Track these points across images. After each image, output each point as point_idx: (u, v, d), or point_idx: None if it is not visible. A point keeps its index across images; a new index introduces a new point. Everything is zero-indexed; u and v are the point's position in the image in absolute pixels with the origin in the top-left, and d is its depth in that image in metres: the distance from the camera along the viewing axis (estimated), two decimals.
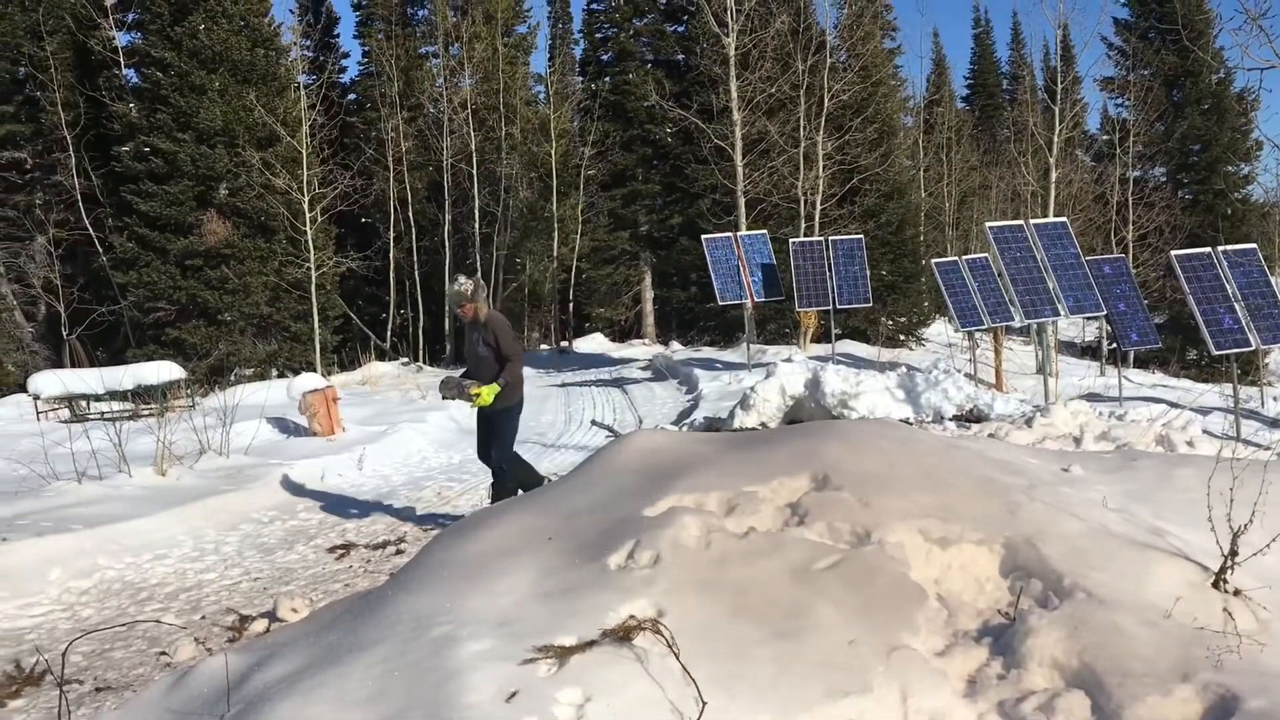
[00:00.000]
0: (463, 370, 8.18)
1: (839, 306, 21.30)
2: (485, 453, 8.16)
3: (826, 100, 27.13)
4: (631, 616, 3.19)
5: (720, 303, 22.15)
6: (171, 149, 30.72)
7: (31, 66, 34.38)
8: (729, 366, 21.06)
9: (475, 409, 8.01)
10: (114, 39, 33.62)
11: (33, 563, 7.29)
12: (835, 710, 3.01)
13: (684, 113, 28.61)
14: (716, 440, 5.24)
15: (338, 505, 10.11)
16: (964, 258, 20.24)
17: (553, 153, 36.55)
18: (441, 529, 6.96)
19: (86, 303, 34.36)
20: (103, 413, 20.04)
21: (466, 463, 12.76)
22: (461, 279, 7.76)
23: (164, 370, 21.89)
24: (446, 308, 33.95)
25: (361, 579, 6.95)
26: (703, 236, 22.51)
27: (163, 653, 5.52)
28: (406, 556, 7.23)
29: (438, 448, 13.96)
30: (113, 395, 20.87)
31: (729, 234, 22.38)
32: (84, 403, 21.45)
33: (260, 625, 5.76)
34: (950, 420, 11.98)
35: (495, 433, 7.92)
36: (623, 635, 3.10)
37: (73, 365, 30.57)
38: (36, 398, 21.62)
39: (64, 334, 34.97)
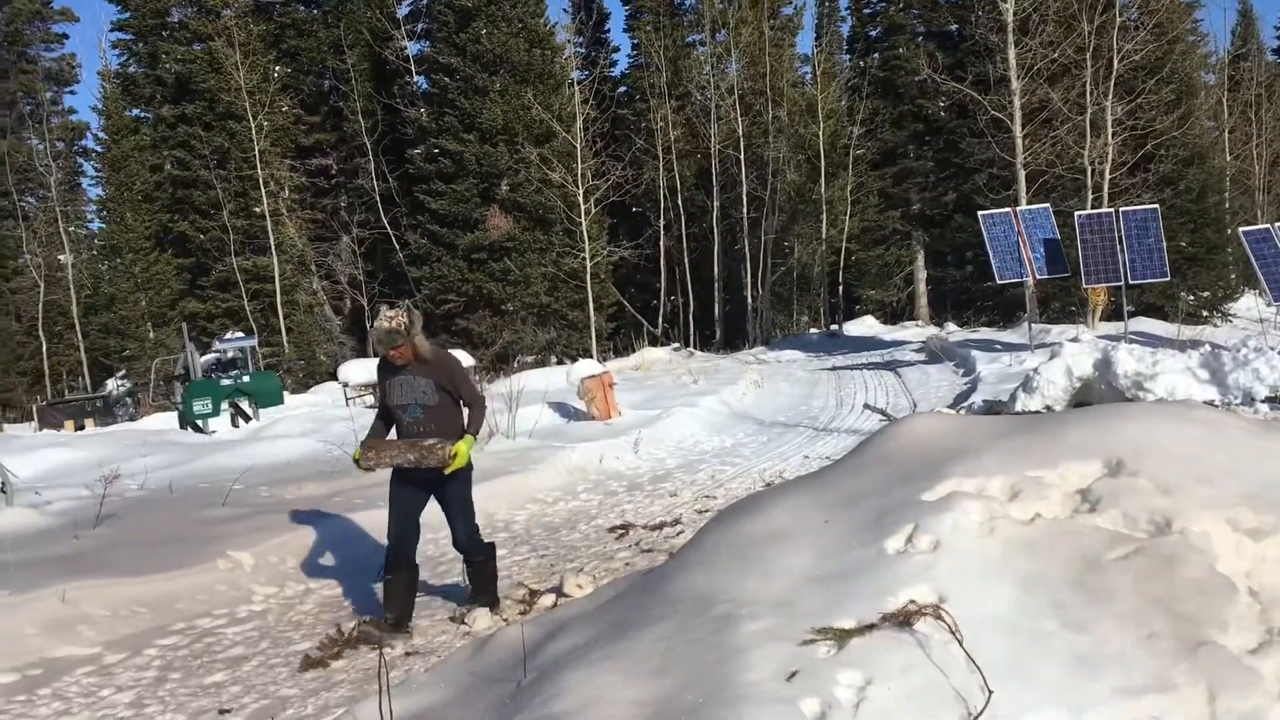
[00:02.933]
0: (381, 430, 6.00)
1: (1131, 282, 19.95)
2: (410, 529, 5.93)
3: (1116, 62, 25.37)
4: (912, 601, 3.14)
5: (998, 281, 21.25)
6: (458, 149, 32.53)
7: (335, 79, 37.25)
8: (1009, 348, 20.20)
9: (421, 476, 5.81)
10: (405, 48, 35.93)
11: (349, 536, 7.97)
12: (1132, 708, 2.85)
13: (958, 85, 27.56)
14: (997, 424, 5.06)
15: (616, 487, 10.46)
16: (1277, 225, 18.49)
17: (820, 133, 36.16)
18: (717, 511, 7.07)
19: (385, 296, 37.01)
20: None
21: (739, 446, 12.89)
22: (387, 311, 5.67)
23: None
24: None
25: (640, 558, 7.16)
26: (979, 213, 21.66)
27: (462, 622, 5.91)
28: (683, 538, 7.40)
29: (710, 431, 14.16)
30: None
31: (1008, 209, 21.43)
32: None
33: (548, 600, 6.05)
34: (1263, 403, 11.00)
35: (457, 500, 5.90)
36: (903, 620, 3.06)
37: (375, 355, 33.04)
38: (345, 385, 23.56)
39: (367, 326, 37.85)
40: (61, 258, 35.74)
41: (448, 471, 5.61)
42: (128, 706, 5.02)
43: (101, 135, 37.10)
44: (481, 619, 5.81)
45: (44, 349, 36.34)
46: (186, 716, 4.85)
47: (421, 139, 34.55)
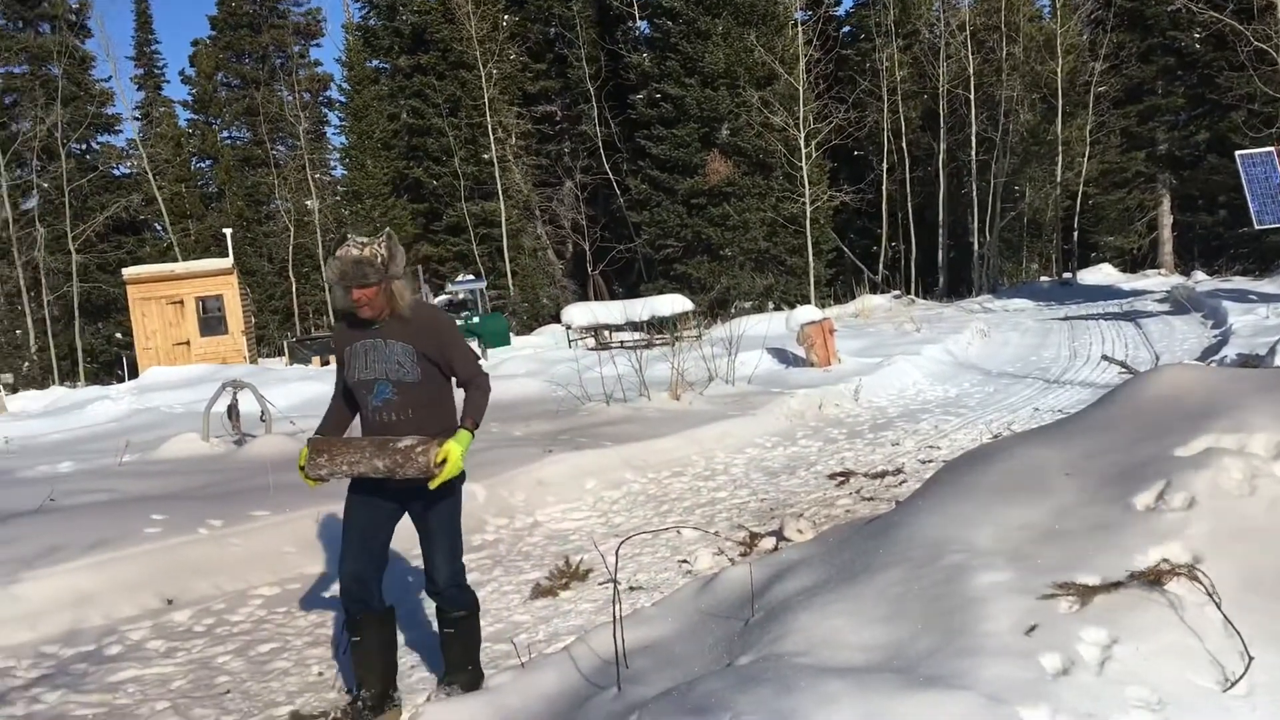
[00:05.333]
0: (341, 418, 4.24)
1: None
2: (372, 564, 4.10)
3: None
4: (1164, 560, 2.98)
5: (1256, 227, 19.67)
6: (679, 93, 32.58)
7: (560, 26, 37.89)
8: (1266, 298, 18.70)
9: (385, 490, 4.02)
10: None
11: (573, 474, 8.24)
12: None
13: (1217, 14, 25.44)
14: (1255, 378, 4.70)
15: (836, 434, 10.36)
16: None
17: (1058, 70, 34.20)
18: (944, 461, 6.90)
19: (607, 241, 37.77)
20: (623, 341, 22.00)
21: (963, 396, 12.53)
22: (356, 238, 3.91)
23: (675, 303, 23.61)
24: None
25: (862, 506, 7.08)
26: (1236, 153, 20.05)
27: (684, 560, 6.02)
28: (906, 487, 7.27)
29: (933, 381, 13.81)
30: (632, 326, 22.83)
31: (1269, 149, 19.73)
32: (607, 332, 23.68)
33: (768, 543, 6.08)
34: None
35: (441, 526, 4.05)
36: (1153, 579, 2.91)
37: (595, 299, 33.85)
38: (568, 327, 24.26)
39: (588, 270, 38.75)
40: (309, 203, 38.10)
41: (434, 485, 3.80)
42: None
43: (344, 86, 39.26)
44: (703, 558, 5.90)
45: (293, 289, 39.04)
46: (428, 636, 5.14)
47: (643, 84, 34.78)
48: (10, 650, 5.02)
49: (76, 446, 11.93)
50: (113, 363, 33.49)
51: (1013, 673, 2.64)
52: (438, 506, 4.01)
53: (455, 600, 4.12)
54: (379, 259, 3.82)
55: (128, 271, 27.53)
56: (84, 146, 36.03)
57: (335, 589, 5.25)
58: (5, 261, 32.68)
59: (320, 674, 4.74)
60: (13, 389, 23.49)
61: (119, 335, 33.29)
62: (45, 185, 33.44)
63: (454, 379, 4.05)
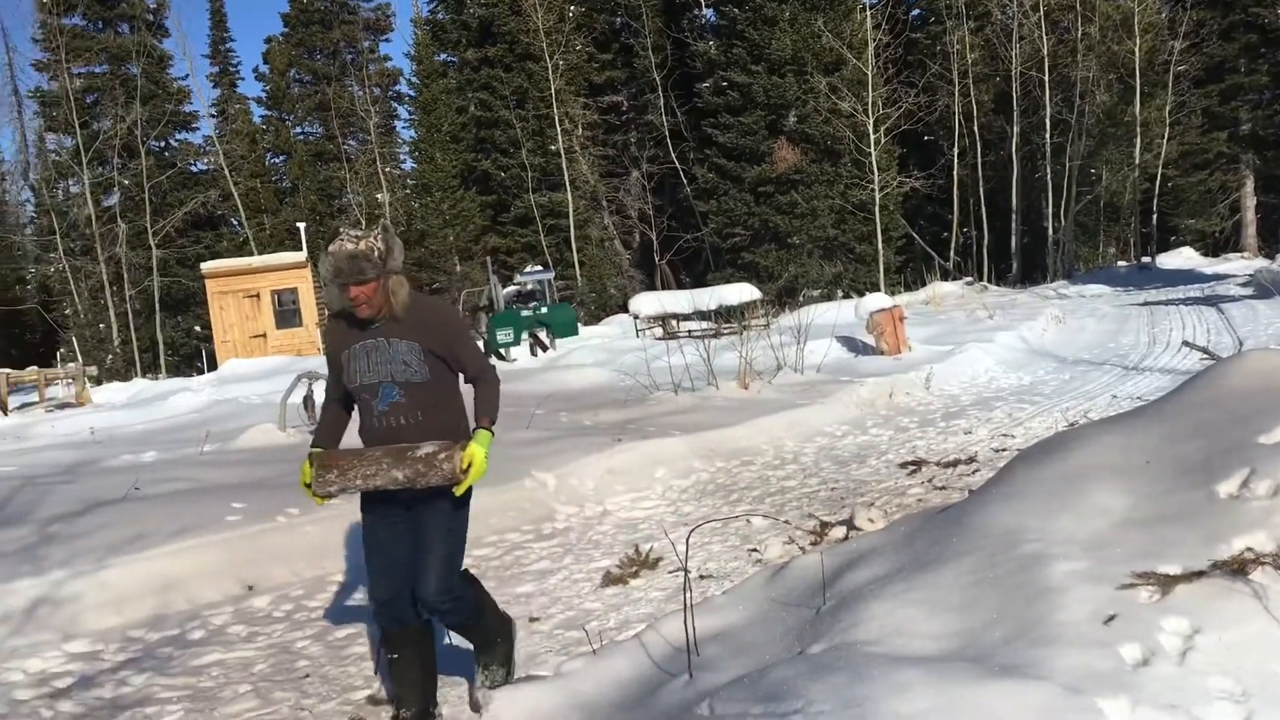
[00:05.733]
0: (338, 426, 3.95)
1: None
2: (406, 583, 3.76)
3: None
4: (1248, 549, 2.91)
5: None
6: (745, 81, 32.44)
7: (626, 16, 37.93)
8: None
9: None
10: None
11: (642, 462, 8.27)
12: None
13: None
14: None
15: (907, 422, 10.27)
16: None
17: (1136, 49, 33.37)
18: (1019, 450, 6.81)
19: (673, 230, 37.77)
20: (690, 331, 21.99)
21: (1038, 384, 12.33)
22: (351, 231, 3.62)
23: (742, 292, 23.54)
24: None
25: (934, 495, 7.01)
26: None
27: (754, 549, 6.01)
28: (979, 476, 7.18)
29: (1006, 369, 13.61)
30: (699, 315, 22.81)
31: None
32: (674, 321, 23.68)
33: (839, 532, 6.04)
34: None
35: (442, 532, 3.73)
36: (1237, 568, 2.85)
37: (663, 288, 33.89)
38: (636, 317, 24.30)
39: (655, 259, 38.78)
40: (379, 196, 38.59)
41: (459, 491, 3.61)
42: None
43: (413, 80, 39.69)
44: (773, 546, 5.88)
45: None
46: None
47: (710, 72, 34.67)
48: (99, 634, 5.19)
49: (159, 437, 12.25)
50: (192, 355, 34.32)
51: (1091, 663, 2.60)
52: (445, 511, 3.71)
53: (452, 617, 3.79)
54: (376, 253, 3.54)
55: (206, 266, 28.18)
56: (162, 144, 36.89)
57: None
58: (89, 257, 33.63)
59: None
60: (97, 381, 24.17)
61: (198, 328, 34.07)
62: (126, 182, 34.30)
63: (462, 376, 3.79)
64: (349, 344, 3.69)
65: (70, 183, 35.42)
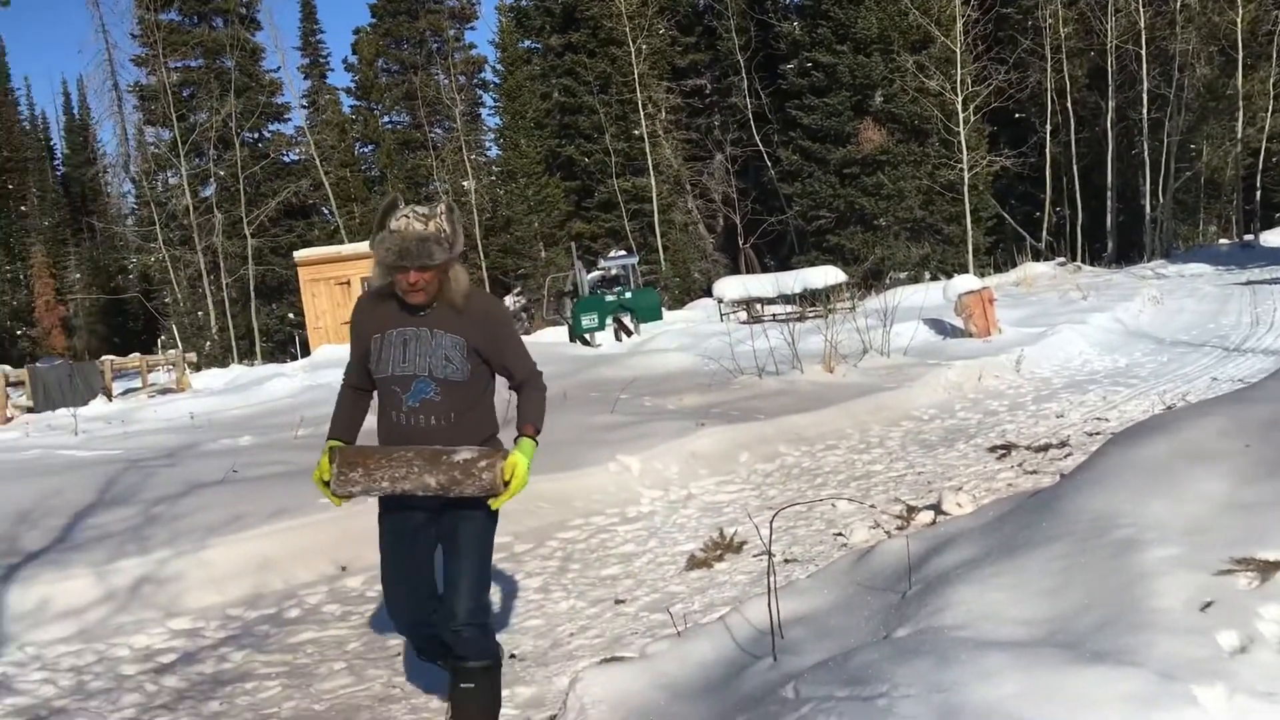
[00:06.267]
0: (356, 412, 3.61)
1: None
2: (430, 600, 3.45)
3: None
4: None
5: None
6: (830, 61, 32.09)
7: None
8: None
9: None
10: None
11: (726, 446, 8.27)
12: None
13: None
14: None
15: (996, 406, 10.09)
16: None
17: (1239, 19, 32.19)
18: (1113, 433, 6.66)
19: (758, 214, 37.56)
20: (775, 314, 21.87)
21: (1134, 366, 12.02)
22: (417, 208, 3.19)
23: (828, 274, 23.34)
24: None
25: (1024, 480, 6.89)
26: None
27: (839, 533, 5.98)
28: (1072, 460, 7.03)
29: (1100, 351, 13.30)
30: (784, 298, 22.67)
31: None
32: (759, 305, 23.57)
33: (926, 516, 5.98)
34: None
35: (472, 546, 3.36)
36: None
37: (747, 272, 33.74)
38: (720, 301, 24.24)
39: (739, 243, 38.62)
40: (465, 183, 39.03)
41: (496, 505, 3.28)
42: (536, 591, 5.53)
43: (498, 67, 40.04)
44: (859, 531, 5.84)
45: None
46: (587, 603, 5.26)
47: (794, 53, 34.35)
48: (200, 612, 5.36)
49: (255, 421, 12.59)
50: (286, 341, 35.17)
51: (1186, 650, 2.54)
52: (473, 524, 3.33)
53: (475, 645, 3.31)
54: (444, 236, 3.15)
55: (298, 254, 28.84)
56: (256, 135, 37.79)
57: (495, 558, 5.39)
58: (187, 247, 34.65)
59: None
60: (196, 367, 24.92)
61: (291, 315, 34.89)
62: (222, 173, 35.25)
63: (508, 380, 3.43)
64: (384, 328, 3.30)
65: (169, 175, 36.55)
